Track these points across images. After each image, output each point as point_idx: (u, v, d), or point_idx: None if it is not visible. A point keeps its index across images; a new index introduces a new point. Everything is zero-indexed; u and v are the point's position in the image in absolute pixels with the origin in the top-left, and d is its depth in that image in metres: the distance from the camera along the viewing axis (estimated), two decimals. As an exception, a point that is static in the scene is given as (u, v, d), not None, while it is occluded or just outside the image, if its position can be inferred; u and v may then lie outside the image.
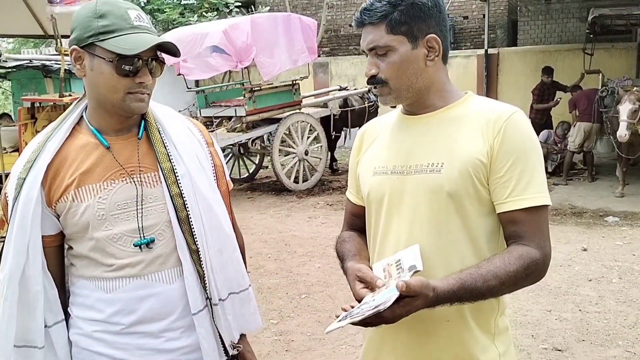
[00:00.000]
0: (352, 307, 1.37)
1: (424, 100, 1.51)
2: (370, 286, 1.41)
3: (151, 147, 1.60)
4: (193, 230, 1.58)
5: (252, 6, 14.01)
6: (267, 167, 10.61)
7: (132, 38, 1.48)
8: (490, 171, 1.42)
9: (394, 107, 1.62)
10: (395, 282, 1.28)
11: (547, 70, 10.07)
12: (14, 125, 5.53)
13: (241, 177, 10.13)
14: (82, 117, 1.61)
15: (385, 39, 1.44)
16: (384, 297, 1.29)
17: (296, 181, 9.31)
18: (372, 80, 1.49)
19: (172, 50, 1.55)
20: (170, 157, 1.59)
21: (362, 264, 1.52)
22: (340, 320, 1.34)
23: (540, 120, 9.82)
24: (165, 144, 1.60)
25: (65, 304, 1.63)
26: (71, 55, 1.53)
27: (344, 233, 1.72)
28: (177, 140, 1.62)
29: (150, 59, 1.52)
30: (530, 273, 1.38)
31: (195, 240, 1.59)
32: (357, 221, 1.72)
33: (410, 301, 1.28)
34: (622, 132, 7.42)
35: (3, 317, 1.50)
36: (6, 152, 5.38)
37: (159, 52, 1.55)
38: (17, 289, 1.50)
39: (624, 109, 7.50)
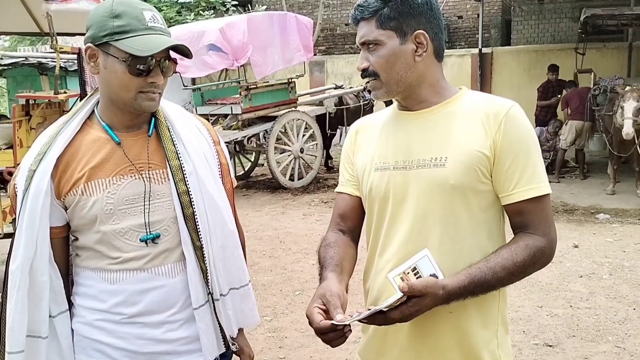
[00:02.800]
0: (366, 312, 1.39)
1: (417, 96, 1.54)
2: (327, 316, 1.37)
3: (160, 144, 1.62)
4: (198, 227, 1.61)
5: (249, 5, 14.03)
6: (262, 165, 10.65)
7: (146, 39, 1.50)
8: (495, 164, 1.45)
9: (386, 103, 1.65)
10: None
11: (553, 68, 10.03)
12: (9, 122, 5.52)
13: (237, 174, 10.14)
14: (93, 112, 1.64)
15: (375, 34, 1.48)
16: (391, 299, 1.32)
17: (291, 179, 9.34)
18: (364, 73, 1.53)
19: (185, 52, 1.58)
20: (179, 155, 1.62)
21: (339, 283, 1.47)
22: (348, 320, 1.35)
23: (544, 118, 9.83)
24: (175, 142, 1.63)
25: (69, 294, 1.65)
26: (86, 52, 1.55)
27: (330, 235, 1.68)
28: (186, 139, 1.65)
29: (162, 59, 1.54)
30: (537, 261, 1.44)
31: (200, 236, 1.61)
32: (347, 219, 1.70)
33: (419, 301, 1.31)
34: (629, 130, 7.31)
35: (17, 307, 1.52)
36: (0, 149, 5.37)
37: (171, 52, 1.57)
38: (28, 280, 1.52)
39: (629, 106, 7.39)
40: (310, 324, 1.39)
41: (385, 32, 1.48)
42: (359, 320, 1.36)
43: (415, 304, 1.31)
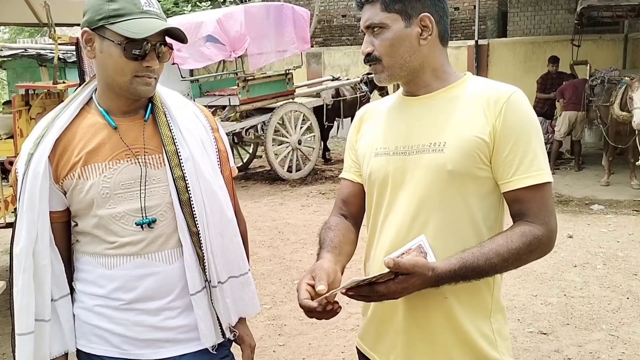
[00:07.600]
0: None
1: (420, 80, 1.53)
2: (315, 292, 1.38)
3: (157, 129, 1.63)
4: (194, 212, 1.61)
5: (246, -5, 14.03)
6: (261, 157, 10.66)
7: (141, 22, 1.51)
8: (494, 151, 1.43)
9: (381, 94, 1.66)
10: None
11: (553, 60, 9.90)
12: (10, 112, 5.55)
13: (235, 166, 10.15)
14: (91, 98, 1.65)
15: (380, 17, 1.47)
16: (378, 273, 1.31)
17: (289, 170, 9.37)
18: (368, 58, 1.52)
19: (180, 36, 1.58)
20: (175, 140, 1.62)
21: (332, 262, 1.50)
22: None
23: (541, 109, 9.77)
24: (171, 128, 1.64)
25: (71, 279, 1.68)
26: (82, 37, 1.56)
27: (332, 219, 1.70)
28: (183, 125, 1.65)
29: (158, 43, 1.55)
30: (534, 249, 1.41)
31: (196, 222, 1.62)
32: (349, 204, 1.71)
33: (406, 279, 1.29)
34: (639, 119, 7.15)
35: (24, 289, 1.54)
36: (0, 139, 5.40)
37: (167, 38, 1.59)
38: (32, 262, 1.54)
39: (638, 96, 7.28)
40: (298, 299, 1.40)
41: (390, 15, 1.47)
42: (343, 293, 1.34)
43: (401, 282, 1.30)
